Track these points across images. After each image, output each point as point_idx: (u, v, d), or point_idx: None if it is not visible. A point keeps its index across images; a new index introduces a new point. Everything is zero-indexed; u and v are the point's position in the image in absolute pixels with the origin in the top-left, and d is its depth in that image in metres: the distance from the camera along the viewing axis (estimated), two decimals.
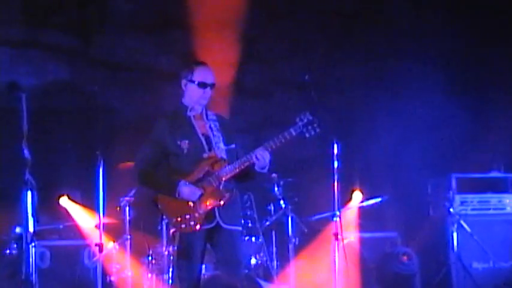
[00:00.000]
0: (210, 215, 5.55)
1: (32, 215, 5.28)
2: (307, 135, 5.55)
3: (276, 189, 8.01)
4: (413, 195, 9.64)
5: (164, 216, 5.70)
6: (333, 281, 6.63)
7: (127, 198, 7.69)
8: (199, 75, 5.71)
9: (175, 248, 5.61)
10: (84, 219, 8.27)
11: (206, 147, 5.63)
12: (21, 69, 9.03)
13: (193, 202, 5.51)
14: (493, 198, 8.95)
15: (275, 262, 7.95)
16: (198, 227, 5.50)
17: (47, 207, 8.03)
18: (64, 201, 8.46)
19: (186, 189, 5.51)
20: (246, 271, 7.45)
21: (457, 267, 8.58)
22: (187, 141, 5.59)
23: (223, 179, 5.56)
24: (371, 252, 8.67)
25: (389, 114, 10.13)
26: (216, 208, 5.54)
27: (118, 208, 7.72)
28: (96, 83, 9.35)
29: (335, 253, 6.53)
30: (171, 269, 7.39)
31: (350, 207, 8.80)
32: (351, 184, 9.04)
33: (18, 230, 7.49)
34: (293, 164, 9.22)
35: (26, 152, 5.24)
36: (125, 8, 9.55)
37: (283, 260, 8.04)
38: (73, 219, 8.35)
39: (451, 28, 10.14)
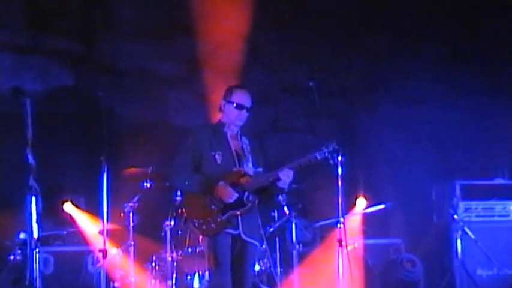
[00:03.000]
0: (233, 222, 5.91)
1: (36, 221, 5.28)
2: (331, 162, 6.00)
3: (279, 195, 7.99)
4: (418, 201, 9.63)
5: (188, 219, 5.99)
6: (336, 287, 6.61)
7: (131, 204, 7.68)
8: (237, 97, 6.12)
9: (207, 253, 5.91)
10: (88, 225, 8.26)
11: (237, 162, 6.04)
12: (25, 74, 9.03)
13: (218, 207, 5.85)
14: (497, 205, 8.93)
15: (279, 268, 7.93)
16: (218, 229, 5.83)
17: (51, 213, 8.03)
18: (68, 207, 8.45)
19: (224, 189, 5.88)
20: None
21: (461, 274, 8.57)
22: (221, 153, 6.00)
23: (248, 191, 5.93)
24: (375, 259, 8.65)
25: (394, 120, 10.13)
26: (239, 217, 5.91)
27: (122, 214, 7.72)
28: (100, 89, 9.34)
29: (339, 259, 6.50)
30: (174, 275, 7.41)
31: (354, 213, 8.79)
32: (355, 190, 9.03)
33: (22, 235, 7.48)
34: (297, 171, 9.20)
35: (30, 157, 5.25)
36: (128, 13, 9.54)
37: (287, 266, 8.03)
38: (77, 225, 8.34)
39: (456, 35, 10.13)
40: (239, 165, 6.01)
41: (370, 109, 10.23)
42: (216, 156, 5.96)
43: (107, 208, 6.91)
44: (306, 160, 5.91)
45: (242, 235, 5.91)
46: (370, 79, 10.35)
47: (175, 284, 7.40)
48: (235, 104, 6.08)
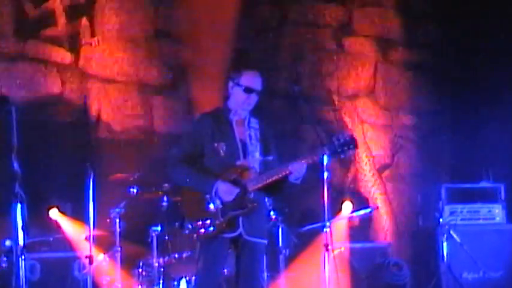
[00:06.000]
0: (233, 223, 5.55)
1: (22, 228, 5.27)
2: (342, 156, 5.57)
3: (266, 200, 8.00)
4: (403, 205, 9.66)
5: (186, 220, 5.66)
6: None
7: (117, 210, 7.69)
8: (246, 79, 5.72)
9: (198, 256, 5.61)
10: (74, 231, 8.26)
11: (241, 153, 5.64)
12: (12, 82, 9.02)
13: (217, 207, 5.51)
14: (482, 208, 8.95)
15: (265, 273, 7.93)
16: (216, 233, 5.51)
17: (37, 219, 8.00)
18: (54, 214, 8.45)
19: (224, 187, 5.52)
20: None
21: (447, 278, 8.58)
22: (224, 144, 5.61)
23: (250, 189, 5.56)
24: (361, 263, 8.66)
25: (379, 125, 10.17)
26: (240, 218, 5.55)
27: (108, 220, 7.72)
28: (86, 96, 9.35)
29: (325, 264, 6.53)
30: (161, 281, 7.41)
31: (340, 217, 8.81)
32: (341, 195, 9.05)
33: (8, 243, 7.47)
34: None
35: (15, 165, 5.24)
36: (115, 20, 9.55)
37: (274, 271, 8.03)
38: (63, 231, 8.34)
39: (445, 39, 10.18)
40: (244, 157, 5.61)
41: (357, 114, 10.26)
42: (219, 148, 5.56)
43: (94, 214, 6.91)
44: (316, 155, 5.52)
45: (244, 235, 5.56)
46: (357, 85, 10.37)
47: None
48: (244, 87, 5.67)
